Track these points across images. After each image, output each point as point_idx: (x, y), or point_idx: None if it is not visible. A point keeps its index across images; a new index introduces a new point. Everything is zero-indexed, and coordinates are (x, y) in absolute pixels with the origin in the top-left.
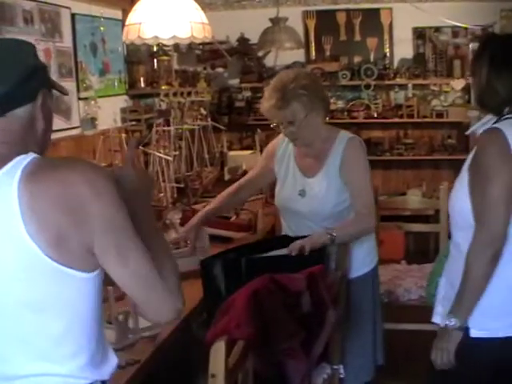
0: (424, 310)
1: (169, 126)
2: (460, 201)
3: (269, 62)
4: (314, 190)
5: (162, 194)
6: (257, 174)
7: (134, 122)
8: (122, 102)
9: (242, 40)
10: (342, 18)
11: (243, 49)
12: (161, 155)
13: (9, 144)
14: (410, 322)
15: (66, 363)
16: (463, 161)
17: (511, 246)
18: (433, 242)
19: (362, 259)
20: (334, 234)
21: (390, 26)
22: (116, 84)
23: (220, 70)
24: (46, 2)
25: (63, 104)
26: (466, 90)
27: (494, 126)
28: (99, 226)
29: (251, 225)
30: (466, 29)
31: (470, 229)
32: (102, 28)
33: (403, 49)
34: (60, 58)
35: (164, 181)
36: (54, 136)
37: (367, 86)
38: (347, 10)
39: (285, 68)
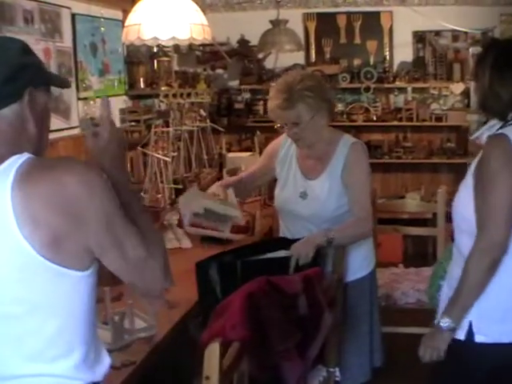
0: (421, 314)
1: (168, 127)
2: (464, 205)
3: (269, 64)
4: (315, 192)
5: (160, 195)
6: (257, 170)
7: (133, 123)
8: (122, 102)
9: (243, 42)
10: (342, 21)
11: (243, 50)
12: (159, 156)
13: (2, 146)
14: (408, 325)
15: (58, 363)
16: (462, 164)
17: None
18: (431, 245)
19: (360, 262)
20: (332, 236)
21: (390, 29)
22: (116, 84)
23: (220, 71)
24: (46, 2)
25: (62, 104)
26: (466, 93)
27: (500, 131)
28: (96, 225)
29: (249, 226)
30: (465, 33)
31: (473, 234)
32: (102, 28)
33: (403, 52)
34: (60, 58)
35: (162, 182)
36: (52, 136)
37: (367, 89)
38: (348, 13)
39: (285, 70)
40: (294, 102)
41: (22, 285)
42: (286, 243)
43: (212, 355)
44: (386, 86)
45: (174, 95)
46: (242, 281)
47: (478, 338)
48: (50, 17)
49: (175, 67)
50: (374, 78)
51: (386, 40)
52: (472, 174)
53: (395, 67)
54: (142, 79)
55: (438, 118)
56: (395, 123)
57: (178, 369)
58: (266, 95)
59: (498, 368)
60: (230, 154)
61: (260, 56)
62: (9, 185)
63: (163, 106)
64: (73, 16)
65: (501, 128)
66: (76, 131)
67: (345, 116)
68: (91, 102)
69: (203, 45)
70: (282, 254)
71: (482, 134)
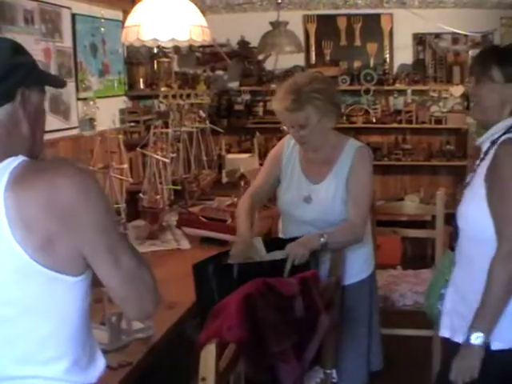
0: (419, 316)
1: (167, 127)
2: (474, 213)
3: (269, 65)
4: (319, 196)
5: (158, 196)
6: (264, 182)
7: (132, 124)
8: (121, 103)
9: (243, 43)
10: (342, 23)
11: (243, 52)
12: (158, 157)
13: None
14: (405, 327)
15: (50, 366)
16: (461, 167)
17: None
18: (429, 247)
19: (360, 265)
20: (325, 240)
21: (391, 31)
22: (115, 85)
23: (220, 72)
24: (46, 2)
25: (62, 104)
26: (465, 96)
27: None
28: (89, 229)
29: None
30: (465, 36)
31: (487, 242)
32: (102, 29)
33: (403, 54)
34: (60, 58)
35: (161, 183)
36: (52, 136)
37: (366, 91)
38: (348, 15)
39: (285, 72)
40: (303, 104)
41: (15, 288)
42: (282, 244)
43: (208, 356)
44: (386, 88)
45: (174, 96)
46: (238, 283)
47: (495, 346)
48: (50, 17)
49: (175, 68)
50: (373, 80)
51: (386, 42)
52: (483, 179)
53: (395, 69)
54: (141, 80)
55: (438, 121)
56: (395, 125)
57: (175, 370)
58: (266, 97)
59: (509, 372)
60: (230, 156)
61: (260, 57)
62: (2, 187)
63: (163, 107)
64: (73, 16)
65: (507, 133)
66: (76, 131)
67: (344, 118)
68: (91, 103)
69: (203, 46)
70: (277, 254)
71: (485, 140)
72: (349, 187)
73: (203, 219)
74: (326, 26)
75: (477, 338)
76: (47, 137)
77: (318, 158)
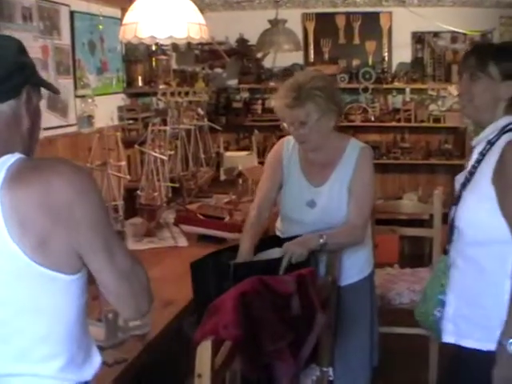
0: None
1: (166, 125)
2: (479, 215)
3: (267, 63)
4: (323, 199)
5: (156, 194)
6: (269, 188)
7: (130, 121)
8: (120, 100)
9: (241, 41)
10: (341, 21)
11: (242, 50)
12: (156, 154)
13: None
14: (402, 325)
15: (46, 364)
16: (460, 166)
17: None
18: (427, 246)
19: (361, 266)
20: (325, 241)
21: (389, 30)
22: (114, 82)
23: (218, 70)
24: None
25: (60, 102)
26: None
27: None
28: (85, 226)
29: None
30: (464, 34)
31: (495, 244)
32: (100, 26)
33: (402, 53)
34: (58, 56)
35: (159, 180)
36: (50, 133)
37: (365, 90)
38: (347, 14)
39: (283, 70)
40: (303, 101)
41: (11, 286)
42: (279, 242)
43: (204, 353)
44: (385, 86)
45: (172, 94)
46: (235, 281)
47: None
48: (48, 14)
49: (173, 66)
50: (372, 79)
51: (385, 41)
52: (490, 182)
53: (394, 68)
54: (140, 77)
55: (436, 120)
56: (393, 124)
57: (171, 367)
58: (265, 94)
59: None
60: (228, 153)
61: (259, 55)
62: None
63: (161, 105)
64: (71, 14)
65: (506, 132)
66: (74, 129)
67: (342, 116)
68: (89, 100)
69: (202, 44)
70: (276, 252)
71: (481, 140)
72: (351, 188)
73: (201, 217)
74: (324, 24)
75: None
76: (45, 134)
77: (319, 160)
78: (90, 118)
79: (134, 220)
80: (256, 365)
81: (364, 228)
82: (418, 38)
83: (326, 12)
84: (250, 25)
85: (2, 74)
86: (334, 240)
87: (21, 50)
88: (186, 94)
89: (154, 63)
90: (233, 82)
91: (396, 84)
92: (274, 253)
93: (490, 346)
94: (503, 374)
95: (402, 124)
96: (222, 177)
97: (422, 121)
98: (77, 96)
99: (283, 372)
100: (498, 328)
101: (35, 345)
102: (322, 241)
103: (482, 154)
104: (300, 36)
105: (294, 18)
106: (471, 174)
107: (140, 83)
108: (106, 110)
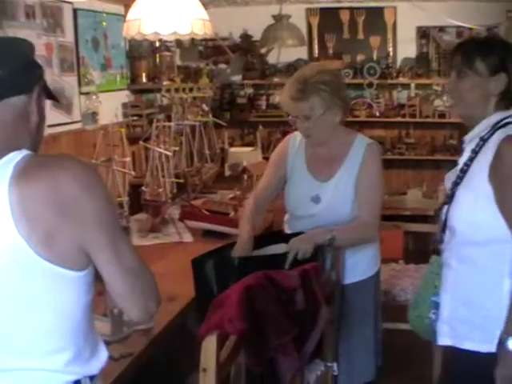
0: None
1: (170, 121)
2: (477, 214)
3: (271, 58)
4: (328, 195)
5: (161, 189)
6: (268, 184)
7: (135, 117)
8: (124, 97)
9: (245, 37)
10: (345, 16)
11: (246, 45)
12: (160, 150)
13: (0, 138)
14: (406, 321)
15: (51, 358)
16: None
17: None
18: (432, 242)
19: (368, 263)
20: (334, 236)
21: (394, 24)
22: (118, 79)
23: (222, 66)
24: None
25: (64, 98)
26: None
27: None
28: (91, 222)
29: None
30: (470, 29)
31: (493, 243)
32: (103, 23)
33: (406, 48)
34: (62, 53)
35: (163, 176)
36: (55, 130)
37: (370, 85)
38: (351, 8)
39: (287, 65)
40: (308, 94)
41: (17, 281)
42: (285, 237)
43: (209, 347)
44: (389, 81)
45: (177, 90)
46: (239, 277)
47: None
48: (51, 12)
49: (177, 62)
50: (377, 74)
51: (390, 36)
52: (487, 180)
53: (398, 63)
54: (144, 74)
55: (441, 115)
56: (398, 119)
57: (175, 361)
58: (269, 90)
59: None
60: (232, 149)
61: (263, 51)
62: (6, 181)
63: (165, 101)
64: (74, 11)
65: (499, 129)
66: (78, 125)
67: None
68: (93, 97)
69: (206, 40)
70: (281, 247)
71: (475, 137)
72: (359, 186)
73: (206, 212)
74: (328, 19)
75: None
76: (50, 131)
77: (326, 155)
78: (94, 115)
79: (139, 216)
80: (260, 359)
81: (377, 226)
82: (423, 33)
83: (330, 7)
84: (253, 20)
85: (19, 67)
86: (344, 236)
87: (34, 52)
88: (190, 90)
89: (157, 59)
90: (237, 78)
91: (401, 79)
92: (279, 248)
93: (490, 347)
94: (507, 374)
95: (407, 119)
96: (227, 172)
97: (427, 116)
98: (81, 93)
99: (287, 366)
100: (498, 328)
101: (41, 339)
102: (329, 236)
103: (475, 152)
104: (304, 31)
105: (297, 13)
106: (464, 171)
107: (144, 79)
108: (111, 106)
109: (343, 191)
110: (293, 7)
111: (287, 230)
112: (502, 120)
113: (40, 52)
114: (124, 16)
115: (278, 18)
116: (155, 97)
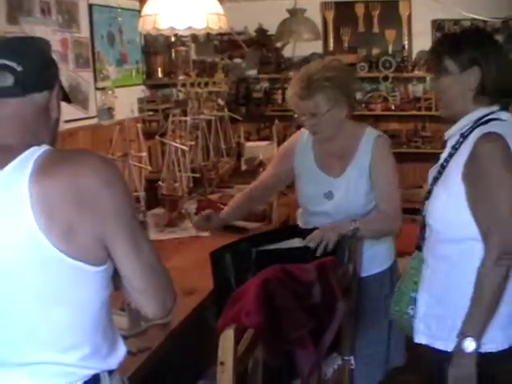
0: None
1: (186, 116)
2: (451, 212)
3: (287, 53)
4: (341, 191)
5: (177, 184)
6: (268, 175)
7: (151, 112)
8: (140, 92)
9: (260, 31)
10: (360, 10)
11: (261, 40)
12: (177, 145)
13: (22, 134)
14: None
15: (69, 353)
16: None
17: None
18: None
19: (384, 256)
20: (357, 226)
21: (409, 18)
22: (133, 74)
23: (238, 60)
24: None
25: (80, 94)
26: None
27: (492, 130)
28: (111, 216)
29: (266, 215)
30: (485, 21)
31: (467, 241)
32: (119, 18)
33: (422, 41)
34: (77, 49)
35: (180, 171)
36: (71, 125)
37: (385, 78)
38: (366, 2)
39: (303, 59)
40: (312, 92)
41: (37, 276)
42: (300, 231)
43: (227, 341)
44: (405, 75)
45: (192, 84)
46: (256, 270)
47: (486, 348)
48: (66, 7)
49: (193, 56)
50: (392, 68)
51: (405, 29)
52: (461, 178)
53: (414, 56)
54: (159, 69)
55: None
56: (414, 113)
57: (193, 355)
58: (285, 84)
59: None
60: (249, 143)
61: (278, 45)
62: (26, 176)
63: (181, 96)
64: (90, 6)
65: (480, 125)
66: (94, 121)
67: (363, 105)
68: (109, 92)
69: (221, 34)
70: (296, 242)
71: (454, 134)
72: (377, 184)
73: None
74: (343, 12)
75: (469, 346)
76: (66, 126)
77: (335, 150)
78: (110, 110)
79: (155, 210)
80: (278, 352)
81: (400, 219)
82: (438, 26)
83: (345, 0)
84: (268, 14)
85: (41, 64)
86: (368, 226)
87: (50, 49)
88: (206, 84)
89: (173, 54)
90: (252, 72)
91: (416, 72)
92: (294, 243)
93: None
94: (457, 374)
95: (423, 113)
96: (243, 167)
97: None
98: (97, 88)
99: (304, 359)
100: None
101: (59, 334)
102: (353, 226)
103: (455, 148)
104: (319, 25)
105: (312, 7)
106: (443, 167)
107: (160, 74)
108: (126, 101)
109: (355, 186)
110: (308, 1)
111: (301, 225)
112: (483, 116)
113: (56, 48)
114: (139, 11)
115: (293, 12)
116: (171, 91)
